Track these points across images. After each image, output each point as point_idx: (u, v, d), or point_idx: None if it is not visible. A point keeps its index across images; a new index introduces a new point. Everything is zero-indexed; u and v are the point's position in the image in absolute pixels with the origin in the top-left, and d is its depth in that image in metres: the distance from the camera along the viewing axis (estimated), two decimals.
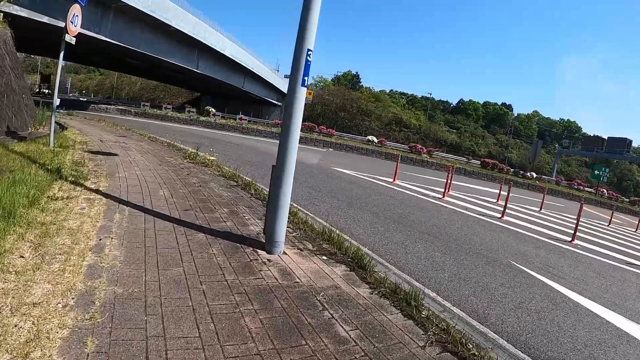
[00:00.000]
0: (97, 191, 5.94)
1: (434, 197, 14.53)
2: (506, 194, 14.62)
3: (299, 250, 4.86)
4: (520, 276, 6.52)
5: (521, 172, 46.80)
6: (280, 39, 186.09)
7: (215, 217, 5.58)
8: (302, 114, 4.57)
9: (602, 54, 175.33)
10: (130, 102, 62.16)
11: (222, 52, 42.26)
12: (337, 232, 5.84)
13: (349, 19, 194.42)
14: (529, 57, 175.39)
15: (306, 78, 4.46)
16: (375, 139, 37.71)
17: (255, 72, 51.85)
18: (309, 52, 4.44)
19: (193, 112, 32.70)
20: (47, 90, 50.99)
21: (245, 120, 31.00)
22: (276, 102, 69.45)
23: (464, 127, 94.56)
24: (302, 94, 4.47)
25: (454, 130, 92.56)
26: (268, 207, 4.70)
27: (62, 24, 25.14)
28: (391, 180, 16.65)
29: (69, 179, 6.34)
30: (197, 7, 37.18)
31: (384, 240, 6.92)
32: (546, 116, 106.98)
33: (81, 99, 60.59)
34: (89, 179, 6.64)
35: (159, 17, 31.49)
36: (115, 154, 9.74)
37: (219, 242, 4.60)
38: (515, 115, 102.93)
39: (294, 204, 7.96)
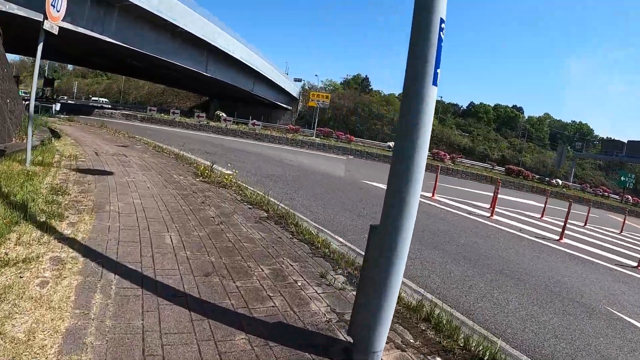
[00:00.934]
0: (73, 241, 3.92)
1: (481, 216, 12.79)
2: (545, 207, 12.45)
3: (400, 352, 2.80)
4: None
5: (547, 179, 44.58)
6: (290, 40, 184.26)
7: (254, 289, 3.52)
8: (429, 134, 2.48)
9: (614, 54, 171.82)
10: (137, 106, 60.55)
11: (231, 54, 40.49)
12: (442, 311, 3.75)
13: (354, 21, 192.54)
14: (538, 58, 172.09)
15: (439, 71, 2.41)
16: None
17: (265, 75, 49.99)
18: (442, 26, 2.38)
19: (202, 117, 30.80)
20: (50, 95, 49.43)
21: (259, 125, 29.02)
22: (286, 106, 67.62)
23: (476, 130, 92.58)
24: (431, 98, 2.42)
25: (466, 134, 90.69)
26: (360, 294, 2.69)
27: (63, 24, 23.41)
28: (429, 195, 14.60)
29: (38, 218, 4.32)
30: (203, 6, 35.27)
31: (471, 294, 5.30)
32: (557, 118, 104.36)
33: (97, 104, 59.07)
34: (67, 216, 4.63)
35: (165, 17, 29.71)
36: (111, 173, 7.73)
37: (272, 353, 2.53)
38: (526, 117, 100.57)
39: (346, 243, 5.93)
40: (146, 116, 31.79)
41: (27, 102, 23.90)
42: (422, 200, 13.38)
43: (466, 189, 20.61)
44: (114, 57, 37.65)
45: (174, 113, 32.33)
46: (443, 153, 36.77)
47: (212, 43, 36.51)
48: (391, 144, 36.26)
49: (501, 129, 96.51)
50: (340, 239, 6.39)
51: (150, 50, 31.94)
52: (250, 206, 6.85)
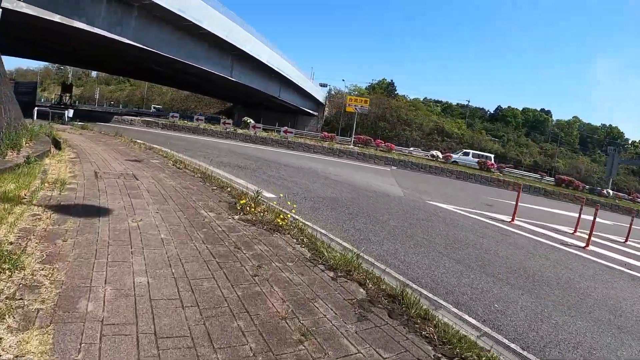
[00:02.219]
0: None
1: (575, 247, 9.91)
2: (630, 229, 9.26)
3: None
4: None
5: (597, 189, 40.60)
6: (314, 45, 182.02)
7: None
8: None
9: None
10: (159, 113, 58.90)
11: (258, 58, 38.19)
12: None
13: (379, 28, 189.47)
14: (565, 59, 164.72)
15: None
16: (440, 154, 32.51)
17: (292, 80, 47.60)
18: None
19: (229, 124, 28.22)
20: (69, 101, 48.05)
21: (291, 133, 26.27)
22: (312, 112, 65.10)
23: (506, 135, 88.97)
24: None
25: (496, 139, 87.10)
26: None
27: (77, 24, 21.21)
28: (507, 219, 11.75)
29: None
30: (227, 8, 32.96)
31: None
32: (586, 122, 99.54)
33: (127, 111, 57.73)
34: None
35: (189, 18, 27.44)
36: (107, 211, 5.01)
37: None
38: (555, 121, 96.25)
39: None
40: (168, 123, 29.44)
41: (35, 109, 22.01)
42: (502, 226, 10.65)
43: (535, 207, 17.40)
44: (135, 61, 35.71)
45: (198, 119, 29.85)
46: (490, 163, 33.38)
47: (238, 46, 34.26)
48: (435, 152, 33.13)
49: (530, 133, 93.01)
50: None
51: (173, 53, 29.77)
52: (332, 275, 4.00)
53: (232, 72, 37.53)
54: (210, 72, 34.64)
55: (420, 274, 5.41)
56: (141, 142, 15.24)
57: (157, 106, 69.20)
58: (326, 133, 37.40)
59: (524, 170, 42.68)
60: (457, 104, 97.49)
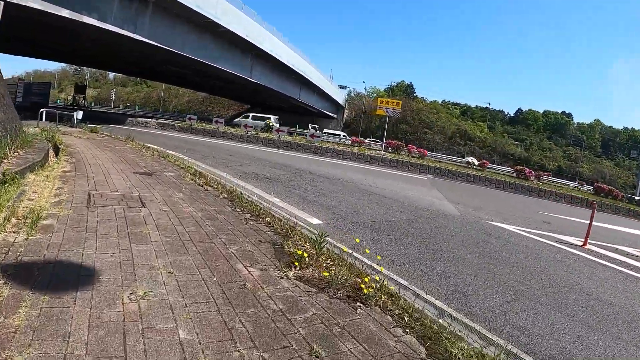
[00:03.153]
0: None
1: None
2: None
3: None
4: None
5: (636, 197, 37.62)
6: (331, 47, 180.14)
7: None
8: None
9: None
10: (177, 115, 57.56)
11: (278, 58, 36.54)
12: None
13: (395, 29, 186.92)
14: (586, 60, 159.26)
15: None
16: (475, 161, 30.20)
17: (312, 81, 45.82)
18: None
19: (251, 127, 26.32)
20: (82, 102, 46.66)
21: (319, 137, 24.17)
22: (332, 114, 63.18)
23: (529, 139, 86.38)
24: None
25: (518, 143, 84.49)
26: None
27: (87, 20, 19.56)
28: (578, 242, 9.66)
29: None
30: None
31: None
32: (607, 125, 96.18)
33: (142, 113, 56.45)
34: None
35: (207, 15, 25.77)
36: (90, 273, 3.06)
37: None
38: (576, 124, 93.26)
39: None
40: (185, 126, 27.70)
41: (41, 111, 20.44)
42: (578, 253, 8.55)
43: (596, 224, 15.08)
44: (152, 61, 34.19)
45: (217, 122, 27.97)
46: (528, 170, 30.93)
47: (258, 45, 32.58)
48: (470, 159, 30.83)
49: (551, 137, 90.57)
50: None
51: (191, 52, 28.13)
52: None
53: (251, 73, 35.94)
54: (229, 73, 33.08)
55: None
56: (155, 147, 13.44)
57: (192, 115, 68.11)
58: (355, 137, 35.33)
59: (557, 177, 39.67)
60: (476, 106, 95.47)
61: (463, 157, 43.65)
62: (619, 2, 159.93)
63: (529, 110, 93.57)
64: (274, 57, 36.05)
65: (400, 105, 32.76)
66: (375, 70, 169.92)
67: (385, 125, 34.65)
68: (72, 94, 50.78)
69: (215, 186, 7.75)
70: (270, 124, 32.52)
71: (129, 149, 12.01)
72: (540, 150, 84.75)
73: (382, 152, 27.08)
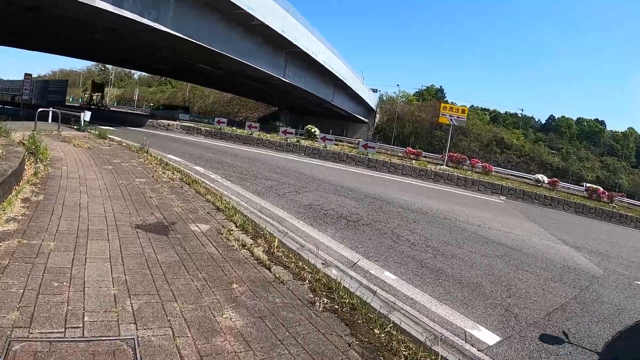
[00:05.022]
0: None
1: None
2: None
3: None
4: None
5: None
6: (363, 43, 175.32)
7: None
8: None
9: None
10: (201, 117, 54.63)
11: (314, 57, 33.01)
12: None
13: (423, 33, 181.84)
14: (618, 66, 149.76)
15: None
16: (545, 179, 26.04)
17: (346, 83, 42.22)
18: None
19: (291, 133, 22.39)
20: (99, 101, 43.68)
21: (373, 149, 20.18)
22: (363, 119, 59.46)
23: (565, 147, 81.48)
24: None
25: (554, 152, 79.68)
26: None
27: (100, 4, 15.86)
28: None
29: None
30: None
31: None
32: None
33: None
34: None
35: (240, 5, 22.33)
36: None
37: None
38: (609, 132, 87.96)
39: None
40: (213, 130, 24.26)
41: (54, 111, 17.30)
42: None
43: None
44: (176, 57, 30.99)
45: (251, 127, 24.22)
46: (601, 191, 26.55)
47: (294, 42, 29.10)
48: (540, 176, 26.67)
49: (585, 146, 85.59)
50: None
51: (221, 47, 24.78)
52: None
53: (285, 73, 32.54)
54: (261, 72, 29.69)
55: None
56: (176, 163, 10.00)
57: (254, 124, 64.27)
58: (410, 149, 31.45)
59: (629, 197, 34.59)
60: (506, 112, 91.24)
61: (530, 173, 38.97)
62: None
63: (562, 117, 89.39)
64: (310, 56, 32.54)
65: (466, 112, 28.77)
66: (402, 74, 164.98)
67: (448, 135, 30.75)
68: (87, 93, 47.75)
69: (287, 256, 4.19)
70: (313, 131, 28.84)
71: (140, 167, 8.54)
72: (578, 159, 79.72)
73: (444, 166, 23.19)
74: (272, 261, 4.28)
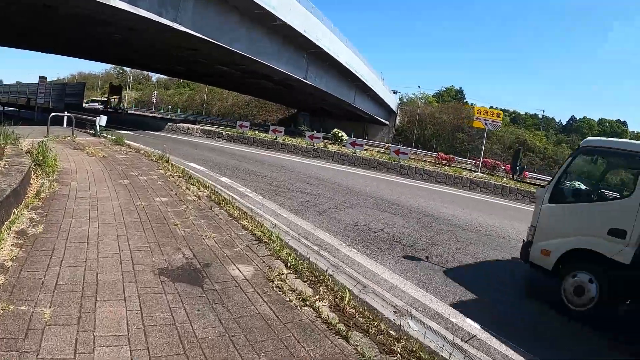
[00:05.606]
0: None
1: None
2: None
3: None
4: None
5: None
6: (378, 50, 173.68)
7: None
8: None
9: None
10: (219, 119, 53.86)
11: (336, 58, 31.87)
12: None
13: (442, 33, 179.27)
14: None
15: None
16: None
17: (368, 84, 40.97)
18: None
19: (318, 138, 20.94)
20: (117, 104, 42.81)
21: (405, 155, 18.75)
22: (384, 121, 58.09)
23: None
24: None
25: None
26: None
27: (116, 2, 14.91)
28: None
29: None
30: None
31: None
32: None
33: (170, 116, 52.77)
34: None
35: (261, 3, 21.31)
36: None
37: None
38: (632, 133, 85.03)
39: None
40: (236, 134, 23.13)
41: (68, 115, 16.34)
42: None
43: None
44: (193, 58, 30.16)
45: (275, 131, 22.90)
46: None
47: (316, 42, 27.98)
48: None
49: None
50: None
51: (242, 48, 23.83)
52: None
53: (306, 74, 31.46)
54: (283, 73, 28.70)
55: None
56: (199, 170, 8.91)
57: (316, 132, 63.19)
58: (442, 154, 29.98)
59: None
60: (526, 113, 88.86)
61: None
62: None
63: (584, 118, 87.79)
64: (332, 57, 31.40)
65: (501, 116, 27.16)
66: (420, 74, 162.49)
67: (483, 139, 29.17)
68: (106, 95, 46.86)
69: (376, 329, 3.05)
70: (341, 135, 27.56)
71: (160, 182, 7.45)
72: None
73: (479, 173, 21.72)
74: (346, 323, 3.12)
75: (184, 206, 5.84)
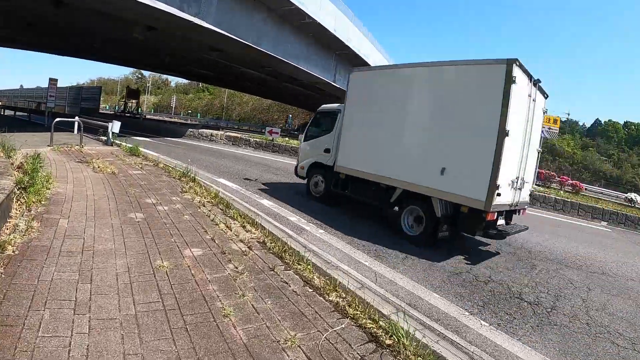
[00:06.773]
0: None
1: None
2: None
3: None
4: None
5: None
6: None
7: None
8: None
9: None
10: (241, 124, 51.96)
11: (365, 59, 29.81)
12: None
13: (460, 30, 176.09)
14: None
15: None
16: (639, 198, 21.66)
17: None
18: None
19: None
20: (134, 108, 40.84)
21: None
22: None
23: (616, 154, 75.29)
24: None
25: (606, 159, 73.72)
26: None
27: None
28: None
29: None
30: None
31: None
32: None
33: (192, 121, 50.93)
34: None
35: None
36: None
37: None
38: None
39: None
40: (264, 142, 21.13)
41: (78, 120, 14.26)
42: None
43: None
44: (222, 62, 28.31)
45: None
46: None
47: (346, 43, 26.02)
48: (633, 195, 22.29)
49: (637, 152, 79.39)
50: None
51: (269, 48, 21.88)
52: None
53: (335, 77, 29.41)
54: (311, 75, 26.70)
55: None
56: (233, 190, 6.79)
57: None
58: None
59: None
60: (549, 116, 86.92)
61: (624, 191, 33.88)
62: None
63: (609, 120, 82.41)
64: (362, 58, 29.29)
65: (558, 123, 24.63)
66: None
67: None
68: (123, 99, 44.67)
69: None
70: None
71: (188, 215, 5.31)
72: (631, 167, 73.12)
73: (534, 185, 19.34)
74: None
75: (230, 267, 3.68)
